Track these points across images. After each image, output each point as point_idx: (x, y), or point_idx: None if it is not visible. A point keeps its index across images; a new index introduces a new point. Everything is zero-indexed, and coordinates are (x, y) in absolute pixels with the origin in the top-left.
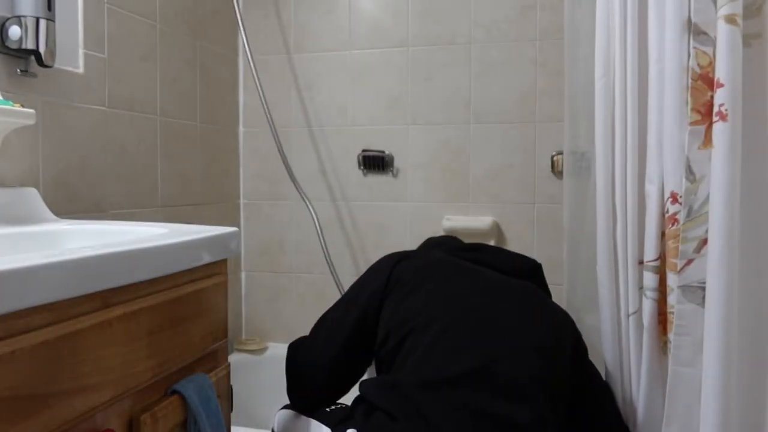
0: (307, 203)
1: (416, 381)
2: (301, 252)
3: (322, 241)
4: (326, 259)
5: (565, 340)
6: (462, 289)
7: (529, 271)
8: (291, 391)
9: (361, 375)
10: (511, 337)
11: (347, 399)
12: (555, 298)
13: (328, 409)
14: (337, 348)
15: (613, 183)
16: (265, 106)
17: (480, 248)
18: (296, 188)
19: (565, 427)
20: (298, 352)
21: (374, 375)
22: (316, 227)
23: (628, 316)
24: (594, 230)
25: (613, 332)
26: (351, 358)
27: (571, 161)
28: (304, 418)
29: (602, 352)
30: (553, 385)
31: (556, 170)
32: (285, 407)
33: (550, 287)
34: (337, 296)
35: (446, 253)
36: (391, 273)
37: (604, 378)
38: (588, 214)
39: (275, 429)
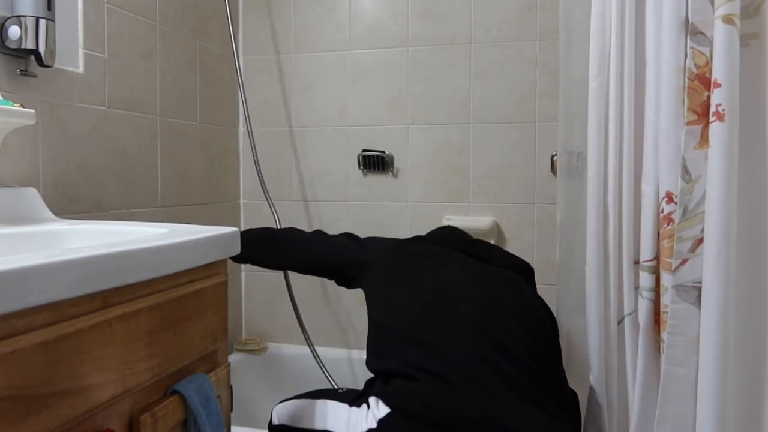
0: (271, 205)
1: (425, 352)
2: None
3: None
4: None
5: (545, 320)
6: (455, 273)
7: (521, 269)
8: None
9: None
10: (504, 314)
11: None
12: (547, 300)
13: (340, 390)
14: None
15: (605, 183)
16: (245, 104)
17: (476, 243)
18: (262, 188)
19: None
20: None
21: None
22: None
23: (624, 317)
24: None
25: (600, 332)
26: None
27: (566, 161)
28: (314, 400)
29: (588, 352)
30: (544, 360)
31: (556, 170)
32: (284, 400)
33: (548, 288)
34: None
35: (441, 244)
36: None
37: (588, 377)
38: (583, 215)
39: (276, 421)
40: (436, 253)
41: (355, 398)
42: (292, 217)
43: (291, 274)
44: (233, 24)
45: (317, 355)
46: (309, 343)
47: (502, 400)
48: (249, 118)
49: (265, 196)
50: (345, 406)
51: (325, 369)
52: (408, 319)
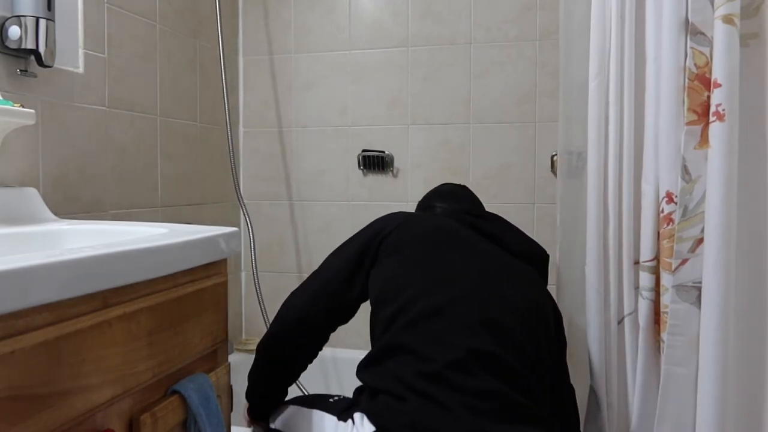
0: (243, 207)
1: (415, 366)
2: (301, 252)
3: (252, 249)
4: (252, 265)
5: (551, 322)
6: (460, 264)
7: (538, 260)
8: (278, 319)
9: (350, 315)
10: (510, 321)
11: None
12: None
13: (331, 400)
14: (335, 274)
15: (605, 183)
16: (226, 101)
17: (491, 219)
18: (236, 191)
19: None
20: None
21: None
22: (249, 232)
23: (624, 316)
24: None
25: (600, 332)
26: (347, 288)
27: (566, 161)
28: (306, 410)
29: (588, 352)
30: (545, 363)
31: (556, 170)
32: (281, 403)
33: (548, 288)
34: None
35: (454, 213)
36: (389, 234)
37: (589, 377)
38: (583, 215)
39: (273, 425)
40: (446, 234)
41: (343, 410)
42: (292, 217)
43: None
44: (232, 24)
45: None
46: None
47: (492, 421)
48: (229, 116)
49: (238, 198)
50: (334, 419)
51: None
52: (404, 326)
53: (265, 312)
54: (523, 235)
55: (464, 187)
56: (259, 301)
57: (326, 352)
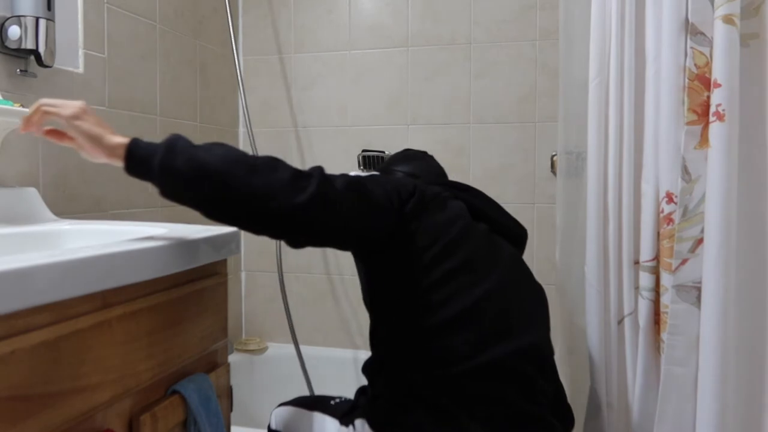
0: None
1: (429, 367)
2: (301, 252)
3: (278, 250)
4: (278, 266)
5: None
6: (489, 257)
7: (523, 240)
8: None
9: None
10: (531, 331)
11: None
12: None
13: (332, 402)
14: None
15: (605, 183)
16: (245, 104)
17: (478, 195)
18: None
19: None
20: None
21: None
22: None
23: (624, 316)
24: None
25: (600, 332)
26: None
27: (566, 161)
28: (308, 412)
29: (588, 352)
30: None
31: (556, 170)
32: (283, 404)
33: (547, 288)
34: (340, 297)
35: (420, 178)
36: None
37: (589, 377)
38: (583, 215)
39: (274, 426)
40: (468, 221)
41: (345, 414)
42: None
43: (288, 275)
44: (233, 24)
45: (301, 356)
46: (295, 343)
47: (496, 429)
48: (249, 119)
49: None
50: (335, 423)
51: (307, 373)
52: (430, 329)
53: (289, 314)
54: (507, 213)
55: (426, 153)
56: (284, 303)
57: (347, 353)
